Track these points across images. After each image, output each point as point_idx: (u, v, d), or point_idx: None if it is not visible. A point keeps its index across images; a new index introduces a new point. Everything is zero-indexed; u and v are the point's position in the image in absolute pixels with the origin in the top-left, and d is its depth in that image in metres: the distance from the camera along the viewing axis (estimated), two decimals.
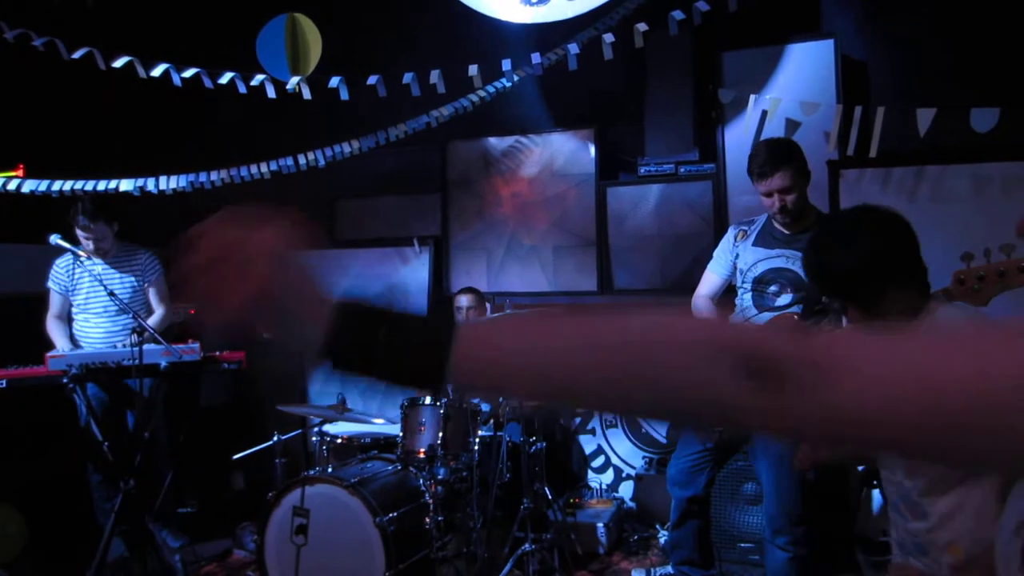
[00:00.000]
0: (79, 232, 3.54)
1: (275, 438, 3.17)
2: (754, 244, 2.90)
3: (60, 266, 3.67)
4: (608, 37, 3.38)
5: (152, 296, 3.78)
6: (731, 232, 3.02)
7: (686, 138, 3.99)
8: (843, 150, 3.54)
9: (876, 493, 3.19)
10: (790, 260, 2.80)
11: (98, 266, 3.65)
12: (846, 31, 3.82)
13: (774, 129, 3.71)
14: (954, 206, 3.35)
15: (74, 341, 3.67)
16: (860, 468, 3.09)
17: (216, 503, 4.26)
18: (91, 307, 3.68)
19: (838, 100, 3.62)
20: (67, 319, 3.72)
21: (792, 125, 3.74)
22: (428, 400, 3.21)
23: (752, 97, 3.62)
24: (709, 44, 3.93)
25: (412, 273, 4.67)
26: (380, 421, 3.45)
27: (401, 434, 3.20)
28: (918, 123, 3.20)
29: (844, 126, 3.43)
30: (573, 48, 3.49)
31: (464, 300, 3.98)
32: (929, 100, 3.21)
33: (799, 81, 3.78)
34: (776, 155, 2.73)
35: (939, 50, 3.64)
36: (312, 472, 2.95)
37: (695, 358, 0.55)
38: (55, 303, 3.68)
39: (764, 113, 3.68)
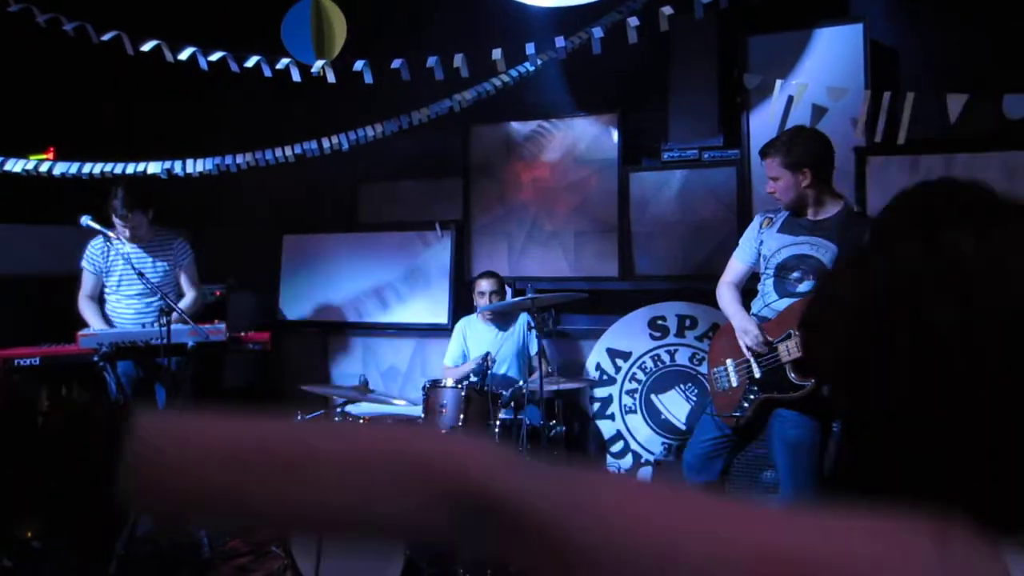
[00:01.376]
0: (116, 221, 3.60)
1: (298, 418, 3.22)
2: (779, 231, 2.89)
3: (95, 247, 3.74)
4: (633, 20, 3.35)
5: (184, 281, 3.85)
6: (757, 220, 3.01)
7: (711, 123, 3.95)
8: (870, 137, 3.48)
9: None
10: (815, 247, 2.78)
11: (130, 247, 3.72)
12: (876, 15, 3.75)
13: (800, 115, 3.66)
14: None
15: (107, 320, 3.75)
16: None
17: None
18: (124, 289, 3.75)
19: (866, 86, 3.56)
20: (99, 299, 3.80)
21: (819, 111, 3.69)
22: (450, 383, 3.25)
23: (778, 82, 3.57)
24: (735, 28, 3.88)
25: (434, 257, 4.70)
26: (401, 402, 3.49)
27: (422, 415, 3.25)
28: (949, 109, 3.14)
29: (872, 112, 3.38)
30: (597, 32, 3.47)
31: (486, 284, 4.00)
32: (960, 86, 3.15)
33: (826, 66, 3.72)
34: (772, 142, 2.73)
35: (971, 34, 3.56)
36: None
37: (375, 479, 0.46)
38: (88, 283, 3.75)
39: (790, 99, 3.63)
